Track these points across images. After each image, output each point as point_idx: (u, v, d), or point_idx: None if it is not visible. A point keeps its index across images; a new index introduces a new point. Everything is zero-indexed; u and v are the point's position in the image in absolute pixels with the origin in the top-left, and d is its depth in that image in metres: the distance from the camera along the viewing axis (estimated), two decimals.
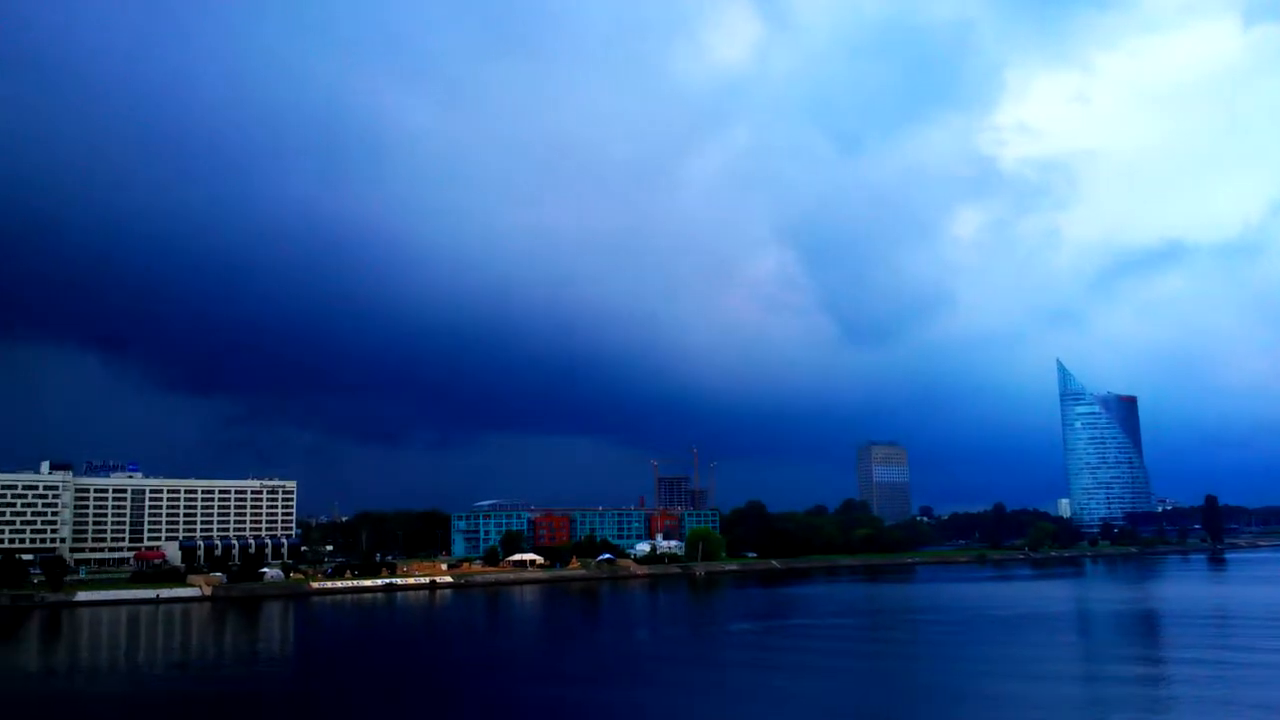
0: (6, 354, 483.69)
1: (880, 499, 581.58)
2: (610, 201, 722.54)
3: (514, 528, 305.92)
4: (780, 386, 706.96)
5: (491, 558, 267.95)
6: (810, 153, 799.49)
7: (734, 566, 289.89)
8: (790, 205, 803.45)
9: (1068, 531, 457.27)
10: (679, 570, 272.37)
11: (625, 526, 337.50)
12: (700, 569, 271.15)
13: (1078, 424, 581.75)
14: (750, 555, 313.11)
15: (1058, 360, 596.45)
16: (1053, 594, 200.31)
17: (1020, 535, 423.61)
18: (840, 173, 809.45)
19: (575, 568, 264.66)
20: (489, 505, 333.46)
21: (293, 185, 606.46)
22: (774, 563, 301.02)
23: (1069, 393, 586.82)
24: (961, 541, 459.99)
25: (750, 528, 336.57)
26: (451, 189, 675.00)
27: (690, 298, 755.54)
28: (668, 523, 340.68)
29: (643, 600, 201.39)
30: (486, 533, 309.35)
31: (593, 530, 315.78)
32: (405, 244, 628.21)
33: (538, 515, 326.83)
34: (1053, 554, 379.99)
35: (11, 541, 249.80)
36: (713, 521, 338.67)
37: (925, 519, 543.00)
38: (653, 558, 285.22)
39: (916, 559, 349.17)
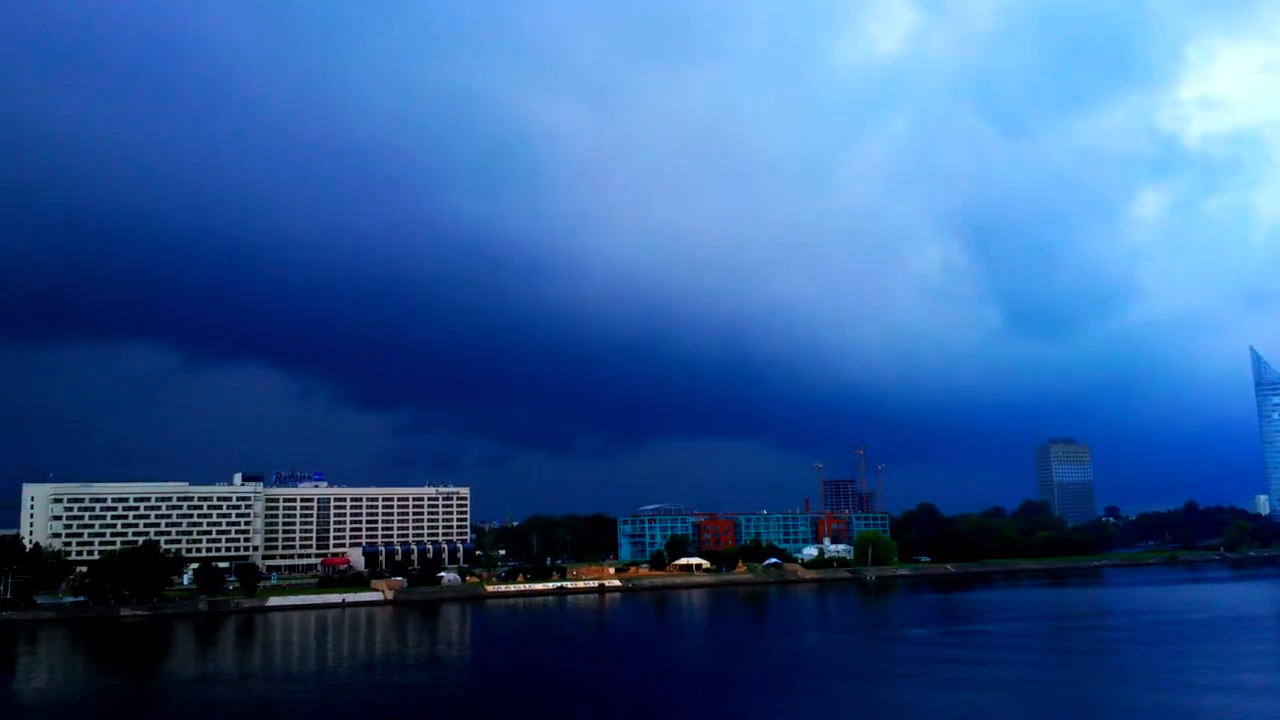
0: (202, 374, 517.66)
1: (1061, 499, 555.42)
2: (768, 200, 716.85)
3: (678, 532, 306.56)
4: (949, 383, 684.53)
5: (657, 561, 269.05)
6: (972, 138, 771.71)
7: (906, 571, 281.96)
8: (953, 193, 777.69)
9: (1268, 530, 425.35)
10: (848, 575, 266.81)
11: (791, 530, 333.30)
12: (871, 574, 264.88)
13: (1275, 415, 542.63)
14: (923, 559, 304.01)
15: (1251, 348, 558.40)
16: (1254, 597, 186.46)
17: (1215, 535, 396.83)
18: (1005, 157, 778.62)
19: (741, 572, 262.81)
20: (653, 510, 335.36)
21: (458, 201, 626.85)
22: (949, 567, 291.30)
23: (1265, 381, 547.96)
24: (1151, 543, 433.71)
25: (922, 531, 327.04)
26: (609, 195, 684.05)
27: (852, 294, 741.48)
28: (835, 526, 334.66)
29: (812, 605, 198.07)
30: (651, 537, 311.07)
31: (758, 534, 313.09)
32: (568, 253, 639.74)
33: (702, 519, 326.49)
34: (1251, 554, 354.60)
35: (209, 550, 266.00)
36: (882, 525, 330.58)
37: (1111, 519, 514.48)
38: (820, 562, 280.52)
39: (1103, 562, 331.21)
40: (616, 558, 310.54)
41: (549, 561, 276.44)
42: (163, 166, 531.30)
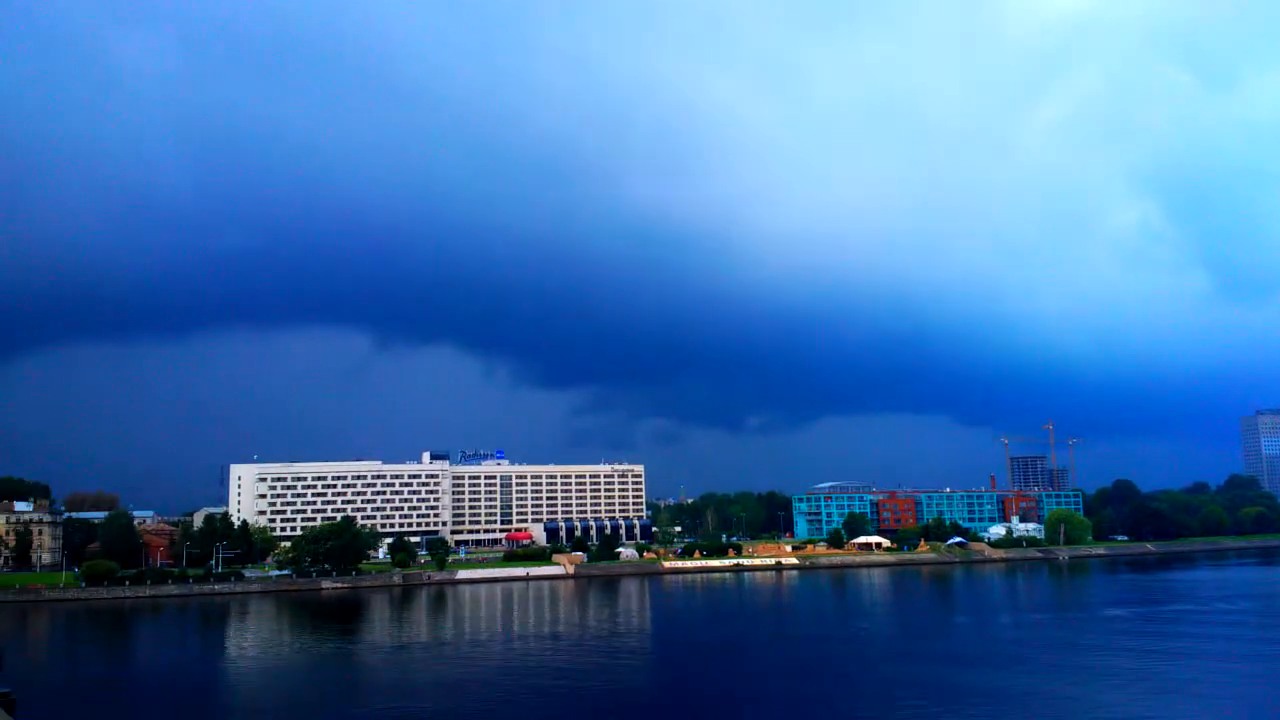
0: (394, 357, 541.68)
1: (1272, 473, 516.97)
2: (946, 166, 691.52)
3: (856, 510, 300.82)
4: (1147, 352, 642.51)
5: (835, 540, 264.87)
6: (1173, 92, 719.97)
7: (1101, 550, 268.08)
8: (1152, 151, 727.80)
9: None
10: (1039, 555, 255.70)
11: (976, 509, 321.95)
12: (1063, 553, 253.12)
13: None
14: (1119, 538, 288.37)
15: None
16: None
17: None
18: (1211, 112, 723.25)
19: (924, 551, 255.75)
20: (829, 487, 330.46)
21: (634, 183, 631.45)
22: (1148, 546, 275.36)
23: None
24: None
25: (1118, 509, 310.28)
26: (783, 170, 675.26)
27: (1037, 261, 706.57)
28: (1023, 504, 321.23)
29: (1001, 585, 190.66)
30: (828, 515, 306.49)
31: (940, 513, 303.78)
32: (742, 230, 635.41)
33: (881, 497, 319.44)
34: None
35: (401, 525, 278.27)
36: (1074, 502, 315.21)
37: None
38: (1008, 541, 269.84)
39: None
40: (792, 535, 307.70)
41: (724, 538, 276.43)
42: (357, 164, 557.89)
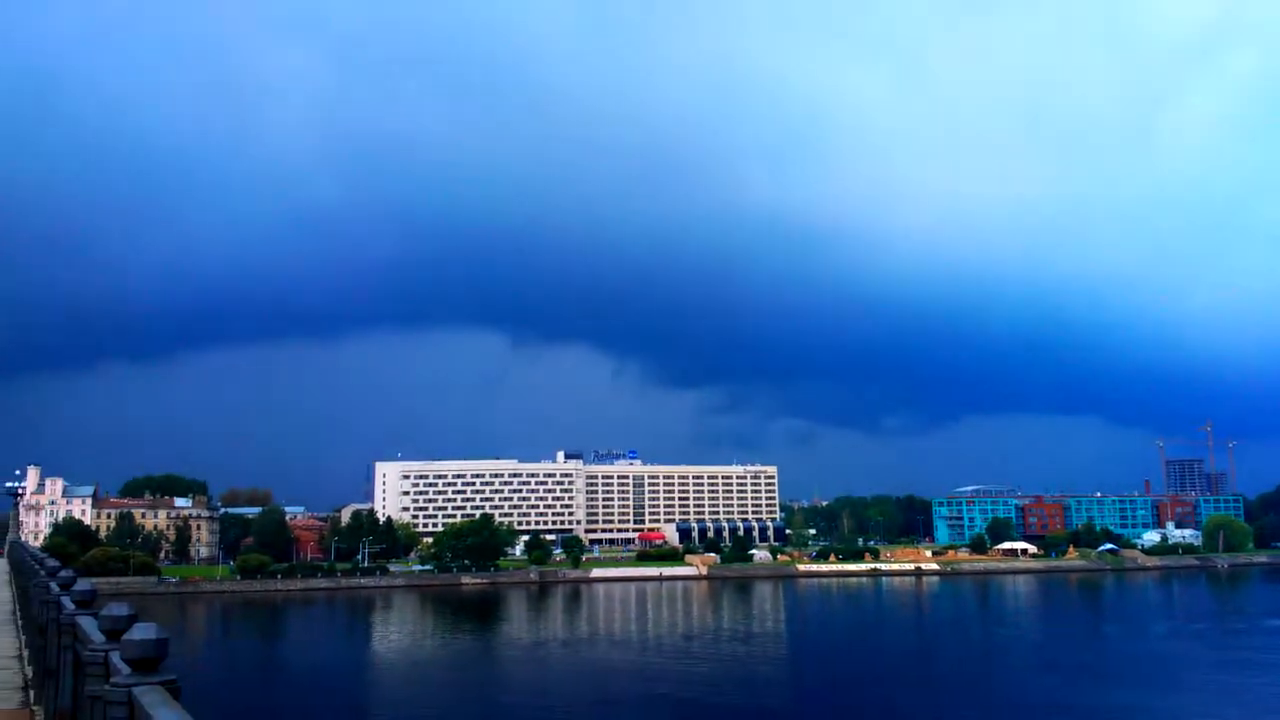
0: (529, 357, 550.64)
1: None
2: (1088, 158, 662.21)
3: (1000, 514, 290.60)
4: None
5: (978, 545, 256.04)
6: None
7: (1264, 558, 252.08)
8: None
9: None
10: (1196, 563, 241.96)
11: (1128, 514, 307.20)
12: (1222, 561, 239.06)
13: None
14: None
15: None
16: None
17: None
18: None
19: (1073, 558, 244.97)
20: (972, 491, 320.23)
21: (763, 179, 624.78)
22: None
23: None
24: None
25: None
26: (915, 165, 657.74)
27: (1188, 256, 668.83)
28: (1179, 510, 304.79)
29: (1157, 594, 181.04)
30: (970, 519, 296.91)
31: (1090, 518, 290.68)
32: (874, 226, 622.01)
33: (1026, 502, 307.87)
34: None
35: (536, 523, 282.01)
36: (1234, 508, 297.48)
37: None
38: (1163, 548, 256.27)
39: None
40: (932, 540, 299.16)
41: (860, 542, 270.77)
42: (493, 167, 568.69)
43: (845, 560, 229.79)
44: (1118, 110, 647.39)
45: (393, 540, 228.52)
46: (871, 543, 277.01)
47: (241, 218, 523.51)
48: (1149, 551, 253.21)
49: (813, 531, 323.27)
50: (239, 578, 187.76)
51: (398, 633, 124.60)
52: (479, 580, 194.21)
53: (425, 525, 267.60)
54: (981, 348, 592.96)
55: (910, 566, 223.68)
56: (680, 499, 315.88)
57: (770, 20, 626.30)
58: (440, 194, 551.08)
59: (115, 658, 5.54)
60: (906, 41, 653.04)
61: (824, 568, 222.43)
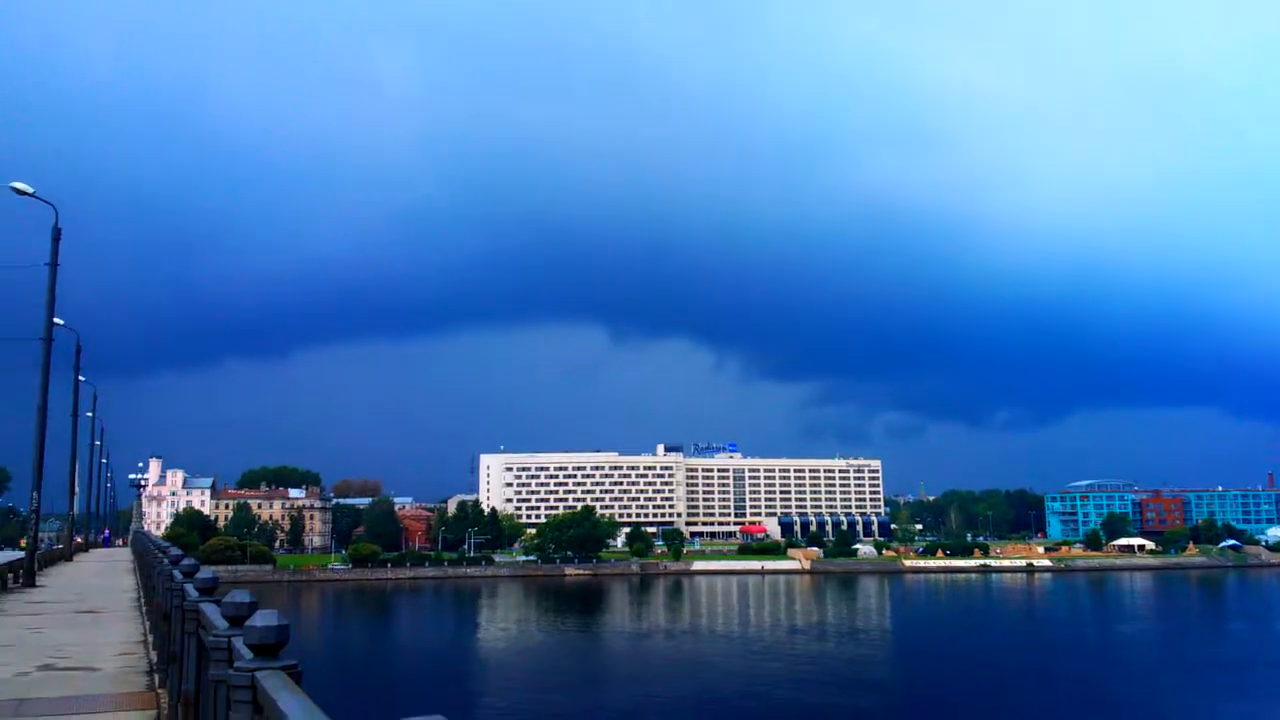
0: (629, 351, 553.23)
1: None
2: (1217, 141, 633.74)
3: (1116, 510, 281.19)
4: None
5: (1092, 541, 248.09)
6: None
7: None
8: None
9: None
10: None
11: (1250, 509, 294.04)
12: None
13: None
14: None
15: None
16: None
17: None
18: None
19: (1193, 554, 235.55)
20: (1086, 486, 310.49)
21: (871, 165, 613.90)
22: None
23: None
24: None
25: None
26: (1031, 148, 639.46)
27: None
28: None
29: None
30: (1084, 515, 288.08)
31: (1210, 513, 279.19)
32: (986, 213, 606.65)
33: (1143, 497, 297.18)
34: None
35: (637, 516, 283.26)
36: None
37: None
38: None
39: None
40: (1045, 536, 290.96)
41: (969, 538, 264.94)
42: (595, 160, 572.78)
43: (953, 556, 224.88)
44: (1251, 88, 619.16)
45: (497, 531, 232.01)
46: (980, 538, 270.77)
47: (350, 219, 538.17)
48: (1274, 548, 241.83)
49: (919, 527, 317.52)
50: (350, 566, 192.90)
51: (504, 621, 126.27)
52: (581, 571, 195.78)
53: (528, 516, 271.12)
54: (1096, 338, 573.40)
55: (1021, 563, 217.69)
56: (782, 493, 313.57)
57: (889, 3, 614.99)
58: (542, 190, 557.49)
59: (238, 643, 5.50)
60: (1032, 20, 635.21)
61: (931, 563, 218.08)
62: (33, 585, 36.17)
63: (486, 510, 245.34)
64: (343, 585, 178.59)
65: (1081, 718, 64.88)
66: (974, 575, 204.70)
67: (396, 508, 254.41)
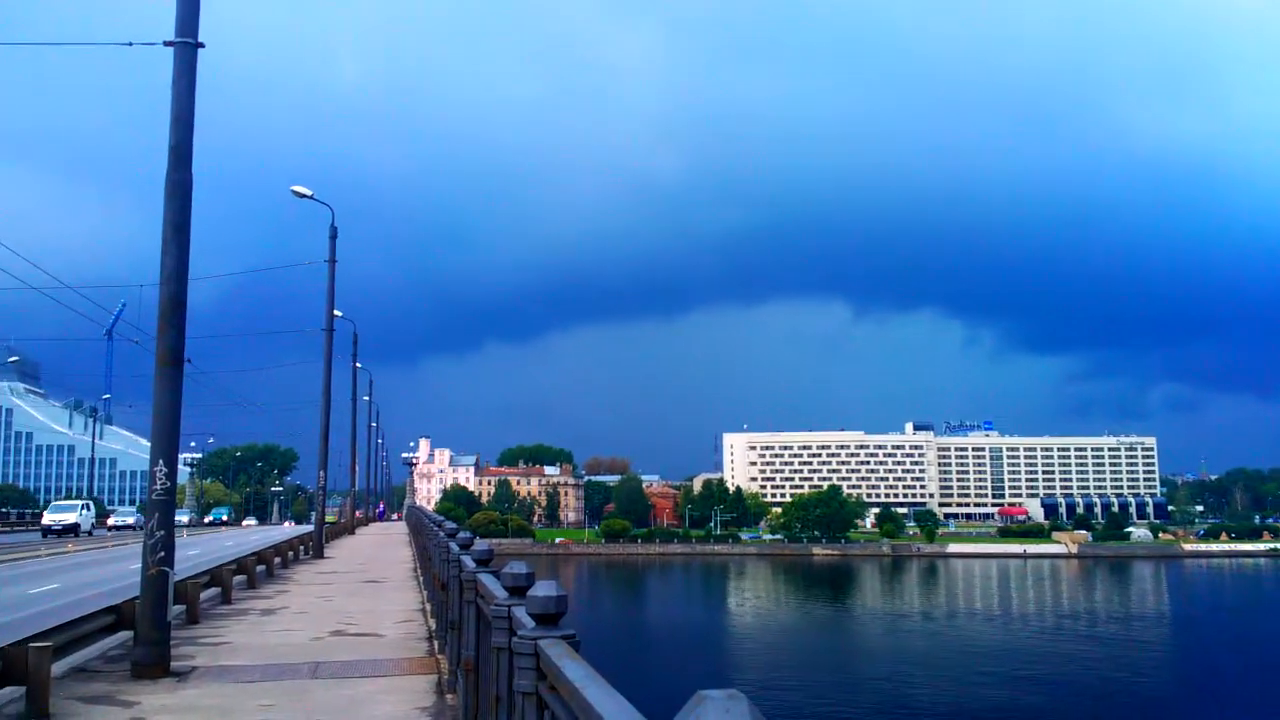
0: (873, 325, 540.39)
1: None
2: None
3: None
4: None
5: None
6: None
7: None
8: None
9: None
10: None
11: None
12: None
13: None
14: None
15: None
16: None
17: None
18: None
19: None
20: None
21: (1135, 118, 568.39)
22: None
23: None
24: None
25: None
26: None
27: None
28: None
29: None
30: None
31: None
32: (1269, 163, 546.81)
33: None
34: None
35: (886, 496, 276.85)
36: None
37: None
38: None
39: None
40: None
41: (1257, 520, 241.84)
42: (839, 133, 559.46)
43: (1238, 540, 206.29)
44: None
45: (742, 509, 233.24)
46: (1270, 520, 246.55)
47: (592, 201, 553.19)
48: None
49: (1199, 508, 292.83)
50: (603, 541, 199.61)
51: (754, 597, 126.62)
52: (830, 551, 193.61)
53: (773, 495, 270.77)
54: None
55: None
56: (1044, 472, 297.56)
57: None
58: (781, 162, 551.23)
59: (519, 612, 5.57)
60: None
61: (1213, 547, 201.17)
62: (321, 557, 39.31)
63: (731, 489, 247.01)
64: (596, 559, 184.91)
65: None
66: (1262, 560, 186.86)
67: (644, 485, 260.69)
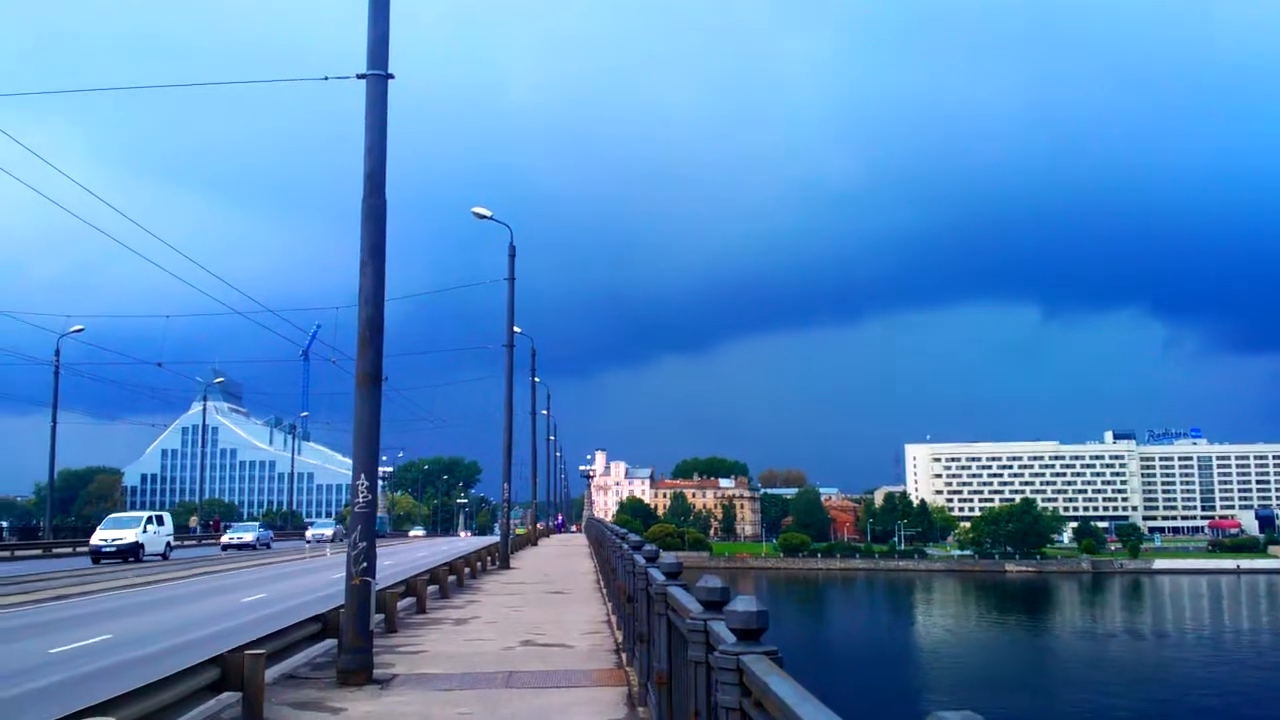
0: (1064, 328, 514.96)
1: None
2: None
3: None
4: None
5: None
6: None
7: None
8: None
9: None
10: None
11: None
12: None
13: None
14: None
15: None
16: None
17: None
18: None
19: None
20: None
21: None
22: None
23: None
24: None
25: None
26: None
27: None
28: None
29: None
30: None
31: None
32: None
33: None
34: None
35: (1084, 509, 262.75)
36: None
37: None
38: None
39: None
40: None
41: None
42: (1026, 127, 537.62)
43: None
44: None
45: (927, 523, 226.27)
46: None
47: (763, 207, 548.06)
48: None
49: None
50: (782, 555, 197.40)
51: (944, 615, 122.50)
52: (1024, 568, 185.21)
53: (960, 509, 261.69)
54: None
55: None
56: (1258, 482, 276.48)
57: None
58: (962, 160, 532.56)
59: (717, 627, 5.45)
60: None
61: None
62: (507, 567, 40.40)
63: (915, 502, 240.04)
64: (775, 573, 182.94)
65: None
66: None
67: (822, 498, 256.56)
